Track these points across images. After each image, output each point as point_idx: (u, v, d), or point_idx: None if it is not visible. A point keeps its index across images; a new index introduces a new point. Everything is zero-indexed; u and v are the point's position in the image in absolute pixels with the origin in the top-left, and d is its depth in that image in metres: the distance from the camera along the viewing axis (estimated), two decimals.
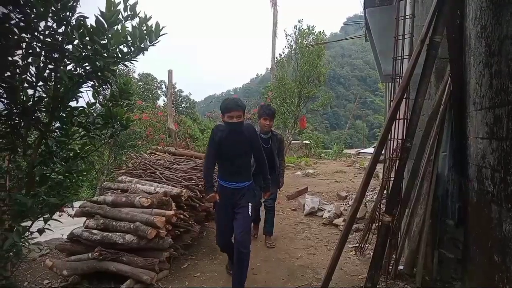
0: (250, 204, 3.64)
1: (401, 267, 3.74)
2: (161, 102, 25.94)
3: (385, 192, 3.86)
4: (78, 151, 2.23)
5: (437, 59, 3.21)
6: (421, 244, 3.53)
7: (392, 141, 3.58)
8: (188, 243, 4.87)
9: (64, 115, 2.18)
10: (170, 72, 9.60)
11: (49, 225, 2.15)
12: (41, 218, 2.16)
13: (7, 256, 1.79)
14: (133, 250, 4.01)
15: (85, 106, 2.27)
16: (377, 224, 3.87)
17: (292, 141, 18.36)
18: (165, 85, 30.40)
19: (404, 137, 3.21)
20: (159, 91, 32.20)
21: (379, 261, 3.21)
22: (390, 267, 3.66)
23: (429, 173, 3.59)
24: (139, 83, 29.00)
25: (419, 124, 3.26)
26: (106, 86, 2.28)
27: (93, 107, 2.34)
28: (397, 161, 3.30)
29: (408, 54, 3.52)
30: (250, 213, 3.60)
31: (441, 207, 3.59)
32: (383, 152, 3.67)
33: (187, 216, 4.75)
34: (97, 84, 2.14)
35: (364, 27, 8.19)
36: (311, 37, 16.78)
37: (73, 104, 2.20)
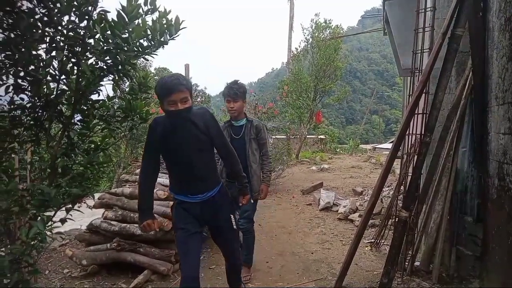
0: (231, 216, 2.81)
1: (417, 263, 3.70)
2: None
3: (402, 187, 3.82)
4: (99, 143, 2.28)
5: (458, 53, 3.15)
6: (439, 240, 3.49)
7: (410, 136, 3.53)
8: (203, 236, 4.91)
9: (86, 108, 2.23)
10: (186, 66, 9.66)
11: (71, 215, 2.20)
12: (63, 208, 2.22)
13: (32, 244, 1.86)
14: (150, 241, 4.07)
15: (106, 99, 2.31)
16: (393, 219, 3.84)
17: (308, 136, 18.27)
18: None
19: (423, 132, 3.17)
20: None
21: (395, 257, 3.19)
22: (406, 263, 3.64)
23: (448, 169, 3.54)
24: (155, 77, 29.23)
25: (439, 119, 3.21)
26: (126, 80, 2.32)
27: (113, 100, 2.38)
28: (415, 156, 3.26)
29: (429, 47, 3.46)
30: (234, 226, 2.82)
31: (460, 204, 3.54)
32: (400, 147, 3.62)
33: None
34: (117, 77, 2.17)
35: (383, 20, 8.06)
36: (328, 31, 16.62)
37: (94, 97, 2.25)
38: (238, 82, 3.73)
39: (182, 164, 2.54)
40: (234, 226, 2.80)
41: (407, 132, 3.41)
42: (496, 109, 2.84)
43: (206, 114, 2.60)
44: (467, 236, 3.47)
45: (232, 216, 2.79)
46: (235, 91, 3.61)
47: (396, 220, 3.33)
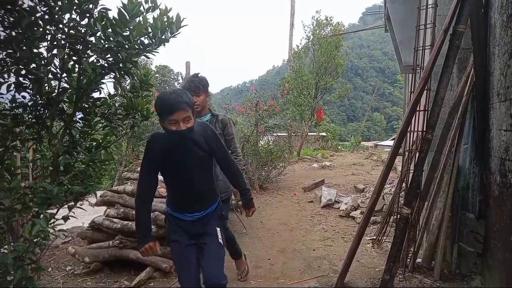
0: (218, 229, 2.56)
1: (419, 260, 3.71)
2: None
3: (403, 184, 3.82)
4: (101, 141, 2.28)
5: (459, 49, 3.14)
6: (440, 237, 3.49)
7: (412, 133, 3.53)
8: None
9: (87, 106, 2.23)
10: (187, 64, 9.65)
11: (73, 212, 2.21)
12: (66, 206, 2.22)
13: (35, 241, 1.86)
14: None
15: (107, 97, 2.31)
16: (395, 216, 3.84)
17: (309, 133, 18.27)
18: (181, 77, 30.48)
19: (424, 129, 3.17)
20: (175, 83, 32.38)
21: (397, 253, 3.19)
22: (408, 260, 3.64)
23: (450, 166, 3.54)
24: (156, 75, 29.23)
25: (440, 115, 3.21)
26: (127, 78, 2.32)
27: (115, 98, 2.38)
28: (417, 153, 3.26)
29: (430, 44, 3.45)
30: (220, 241, 2.55)
31: (462, 200, 3.55)
32: (402, 144, 3.62)
33: None
34: (118, 75, 2.17)
35: (384, 17, 8.05)
36: (329, 28, 16.64)
37: (95, 95, 2.25)
38: (199, 75, 3.43)
39: (183, 183, 2.39)
40: (221, 241, 2.54)
41: (409, 129, 3.40)
42: (498, 106, 2.84)
43: (206, 130, 2.43)
44: (469, 233, 3.47)
45: (218, 229, 2.55)
46: (196, 84, 3.34)
47: (398, 217, 3.33)
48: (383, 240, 4.61)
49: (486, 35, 3.14)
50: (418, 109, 3.29)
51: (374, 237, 4.78)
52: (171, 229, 2.53)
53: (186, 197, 2.44)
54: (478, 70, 3.20)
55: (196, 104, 3.18)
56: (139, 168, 5.32)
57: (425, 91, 3.25)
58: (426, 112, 3.31)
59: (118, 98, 2.52)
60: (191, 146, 2.31)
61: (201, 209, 2.47)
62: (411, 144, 3.63)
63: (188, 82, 3.39)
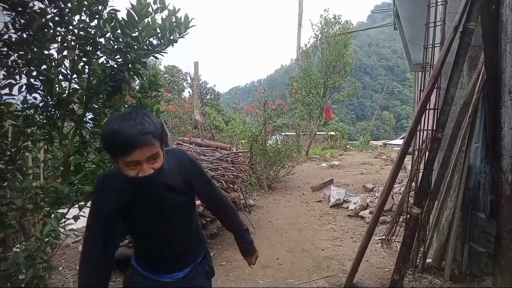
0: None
1: (429, 260, 3.68)
2: (186, 93, 26.23)
3: (413, 184, 3.79)
4: None
5: (470, 47, 3.11)
6: (451, 237, 3.46)
7: (421, 132, 3.50)
8: (214, 233, 4.95)
9: (97, 106, 2.26)
10: (196, 64, 9.67)
11: (84, 212, 2.23)
12: (76, 206, 2.25)
13: (46, 240, 1.89)
14: None
15: (117, 98, 2.34)
16: (404, 216, 3.81)
17: (317, 133, 18.22)
18: (190, 77, 30.69)
19: (434, 128, 3.14)
20: (184, 83, 32.54)
21: (407, 253, 3.17)
22: (418, 260, 3.61)
23: (460, 165, 3.50)
24: (165, 75, 29.41)
25: (451, 114, 3.17)
26: (136, 78, 2.33)
27: (124, 98, 2.40)
28: (427, 152, 3.23)
29: (440, 42, 3.41)
30: None
31: (472, 200, 3.50)
32: (411, 143, 3.59)
33: None
34: (128, 76, 2.19)
35: (393, 15, 7.98)
36: (337, 27, 16.55)
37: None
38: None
39: (156, 241, 1.69)
40: None
41: (419, 128, 3.37)
42: (510, 104, 2.80)
43: (183, 163, 1.69)
44: (480, 233, 3.43)
45: None
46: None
47: (408, 216, 3.31)
48: (393, 240, 4.58)
49: (497, 32, 3.10)
50: (428, 107, 3.26)
51: (384, 237, 4.75)
52: None
53: (163, 256, 1.72)
54: (489, 67, 3.16)
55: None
56: None
57: (435, 89, 3.21)
58: (436, 110, 3.28)
59: (124, 98, 2.53)
60: (164, 194, 1.58)
61: (184, 267, 1.78)
62: (421, 143, 3.60)
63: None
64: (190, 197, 1.75)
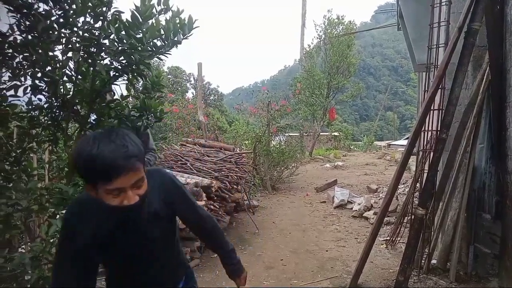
0: None
1: (434, 261, 3.66)
2: (189, 94, 26.31)
3: (418, 184, 3.78)
4: None
5: (474, 47, 3.09)
6: (456, 238, 3.44)
7: (426, 132, 3.49)
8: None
9: (101, 107, 2.26)
10: (199, 65, 9.68)
11: None
12: None
13: (52, 241, 1.90)
14: None
15: (120, 99, 2.34)
16: (409, 217, 3.80)
17: (321, 133, 18.20)
18: (193, 78, 30.75)
19: (439, 128, 3.12)
20: (187, 84, 32.60)
21: (412, 254, 3.16)
22: (423, 261, 3.60)
23: (465, 165, 3.48)
24: (168, 76, 29.49)
25: (455, 115, 3.16)
26: (139, 79, 2.34)
27: (127, 99, 2.40)
28: (431, 153, 3.22)
29: (444, 42, 3.40)
30: None
31: (478, 201, 3.49)
32: (416, 144, 3.57)
33: (217, 206, 4.84)
34: (132, 77, 2.20)
35: (397, 15, 7.96)
36: (341, 27, 16.55)
37: (109, 96, 2.28)
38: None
39: (135, 269, 1.52)
40: None
41: (423, 129, 3.36)
42: None
43: (163, 184, 1.53)
44: (485, 234, 3.41)
45: None
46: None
47: (412, 217, 3.29)
48: (397, 241, 4.56)
49: (502, 32, 3.08)
50: (432, 108, 3.25)
51: (388, 238, 4.73)
52: None
53: (142, 286, 1.57)
54: (494, 68, 3.15)
55: None
56: None
57: (440, 89, 3.20)
58: (440, 111, 3.26)
59: (131, 100, 2.54)
60: (148, 221, 1.45)
61: None
62: (425, 143, 3.58)
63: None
64: (173, 220, 1.62)
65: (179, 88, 29.08)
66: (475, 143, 3.46)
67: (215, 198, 4.92)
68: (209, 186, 4.70)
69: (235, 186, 5.69)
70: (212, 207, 4.67)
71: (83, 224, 1.33)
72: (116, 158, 1.16)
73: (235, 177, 5.66)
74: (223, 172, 5.40)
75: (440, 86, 3.17)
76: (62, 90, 2.17)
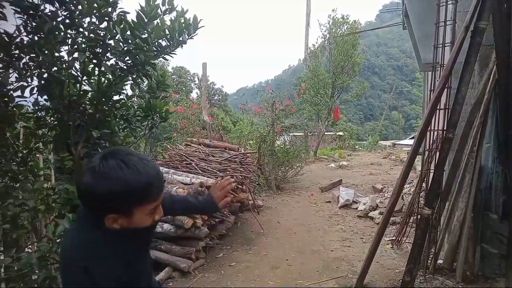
0: None
1: (440, 261, 3.64)
2: (194, 94, 26.34)
3: (423, 184, 3.76)
4: (120, 143, 2.32)
5: (481, 46, 3.07)
6: (462, 238, 3.42)
7: (432, 132, 3.46)
8: (223, 233, 4.95)
9: (107, 108, 2.27)
10: (204, 65, 9.68)
11: None
12: None
13: (59, 241, 1.91)
14: (171, 239, 4.13)
15: (125, 99, 2.35)
16: (415, 217, 3.78)
17: (326, 133, 18.15)
18: (198, 78, 30.79)
19: (445, 128, 3.10)
20: (192, 84, 32.63)
21: (418, 254, 3.14)
22: (429, 261, 3.58)
23: (472, 165, 3.46)
24: (172, 76, 29.55)
25: (462, 114, 3.14)
26: (144, 79, 2.35)
27: (132, 99, 2.41)
28: (438, 152, 3.20)
29: (450, 41, 3.38)
30: None
31: (484, 201, 3.46)
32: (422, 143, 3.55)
33: None
34: (137, 77, 2.20)
35: (402, 14, 7.92)
36: (345, 26, 16.50)
37: (115, 97, 2.29)
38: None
39: (136, 280, 1.38)
40: None
41: (429, 128, 3.34)
42: None
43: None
44: (492, 234, 3.38)
45: None
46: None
47: (418, 217, 3.28)
48: (403, 241, 4.54)
49: (509, 30, 3.05)
50: (438, 107, 3.23)
51: (394, 238, 4.71)
52: None
53: None
54: (501, 67, 3.12)
55: None
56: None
57: (446, 89, 3.18)
58: (446, 110, 3.24)
59: (136, 100, 2.55)
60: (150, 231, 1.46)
61: None
62: (431, 143, 3.56)
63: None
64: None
65: (184, 88, 29.11)
66: (481, 143, 3.44)
67: None
68: None
69: (240, 186, 5.69)
70: None
71: (106, 268, 1.19)
72: (157, 172, 1.17)
73: (240, 177, 5.66)
74: (228, 172, 5.40)
75: (447, 86, 3.15)
76: (68, 90, 2.18)
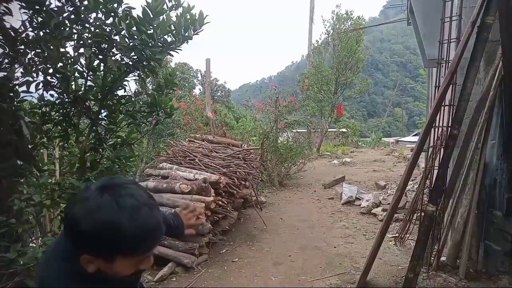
0: None
1: (443, 258, 3.64)
2: (197, 91, 26.32)
3: (427, 181, 3.75)
4: (125, 138, 2.32)
5: (487, 42, 3.04)
6: (466, 235, 3.41)
7: (436, 129, 3.45)
8: (226, 229, 4.97)
9: (112, 103, 2.27)
10: (207, 61, 9.66)
11: None
12: None
13: None
14: None
15: (131, 95, 2.36)
16: (418, 214, 3.77)
17: (329, 129, 18.12)
18: (201, 74, 30.73)
19: (450, 124, 3.09)
20: (195, 80, 32.57)
21: (421, 251, 3.14)
22: (432, 258, 3.57)
23: (476, 162, 3.45)
24: (176, 72, 29.49)
25: (467, 110, 3.12)
26: (150, 76, 2.35)
27: (138, 96, 2.42)
28: (442, 149, 3.19)
29: (456, 37, 3.36)
30: None
31: (488, 198, 3.45)
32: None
33: (225, 202, 4.85)
34: (143, 73, 2.20)
35: (407, 10, 7.89)
36: (349, 22, 16.42)
37: (120, 93, 2.30)
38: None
39: None
40: None
41: (434, 125, 3.33)
42: None
43: None
44: (496, 231, 3.37)
45: None
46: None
47: (422, 214, 3.27)
48: (406, 238, 4.54)
49: None
50: (443, 104, 3.22)
51: (397, 235, 4.71)
52: None
53: None
54: (507, 63, 3.10)
55: None
56: (161, 164, 5.37)
57: (451, 85, 3.17)
58: (451, 107, 3.23)
59: (145, 97, 2.55)
60: None
61: None
62: (435, 140, 3.55)
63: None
64: None
65: (187, 84, 29.07)
66: (486, 140, 3.42)
67: (223, 194, 4.93)
68: (217, 182, 4.71)
69: (243, 182, 5.69)
70: (220, 202, 4.69)
71: None
72: (155, 225, 1.01)
73: (243, 173, 5.66)
74: (231, 168, 5.40)
75: (452, 82, 3.14)
76: (73, 86, 2.19)
